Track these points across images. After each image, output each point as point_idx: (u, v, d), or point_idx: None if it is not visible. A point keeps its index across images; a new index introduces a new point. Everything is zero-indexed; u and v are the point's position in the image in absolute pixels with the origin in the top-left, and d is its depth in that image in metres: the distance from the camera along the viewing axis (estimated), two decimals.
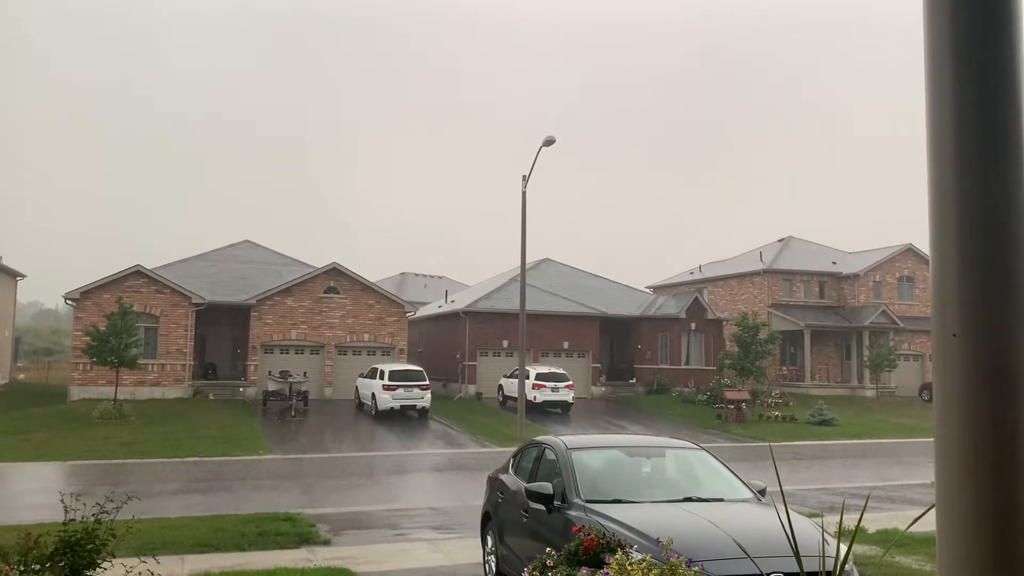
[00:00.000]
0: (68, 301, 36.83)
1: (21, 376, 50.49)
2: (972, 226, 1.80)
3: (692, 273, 58.01)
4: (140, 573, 5.91)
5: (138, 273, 37.02)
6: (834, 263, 51.78)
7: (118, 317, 30.91)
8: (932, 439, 1.86)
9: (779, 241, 55.52)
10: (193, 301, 37.46)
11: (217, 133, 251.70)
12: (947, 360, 1.80)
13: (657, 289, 56.97)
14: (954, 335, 1.78)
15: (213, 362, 41.34)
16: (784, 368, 48.74)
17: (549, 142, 27.89)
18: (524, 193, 29.21)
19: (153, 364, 36.51)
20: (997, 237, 1.78)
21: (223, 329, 41.22)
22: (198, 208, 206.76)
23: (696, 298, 46.32)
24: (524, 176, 29.04)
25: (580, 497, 7.51)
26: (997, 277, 1.77)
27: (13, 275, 45.79)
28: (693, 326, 45.33)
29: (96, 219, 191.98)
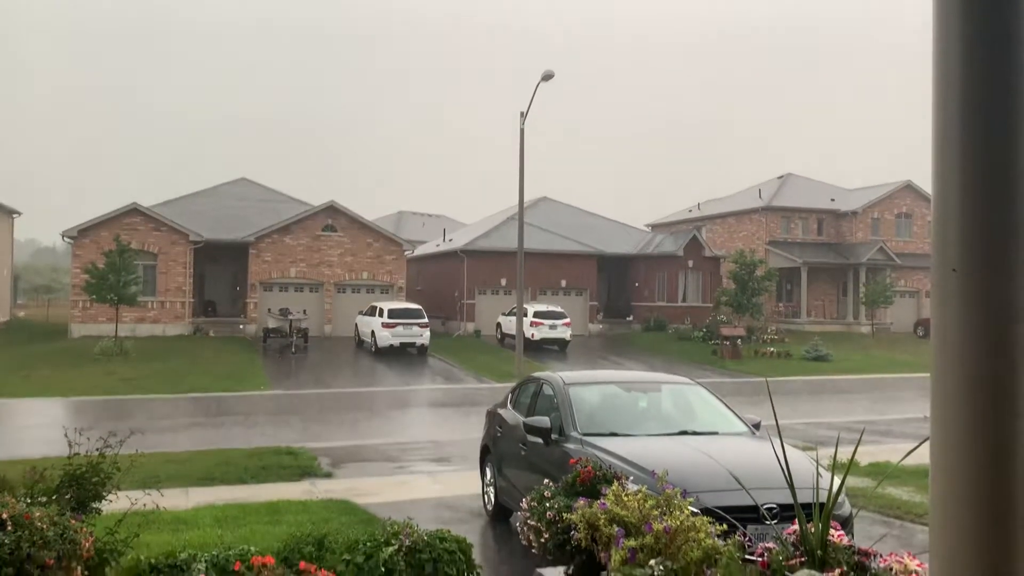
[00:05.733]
0: (66, 239, 36.74)
1: (21, 314, 50.66)
2: (975, 160, 1.78)
3: (691, 211, 57.77)
4: (145, 505, 6.02)
5: (135, 211, 36.83)
6: (833, 200, 51.55)
7: (116, 255, 30.86)
8: (926, 375, 1.87)
9: (778, 178, 55.16)
10: (191, 239, 37.36)
11: (217, 67, 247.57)
12: (946, 295, 1.80)
13: (655, 227, 56.81)
14: (954, 270, 1.78)
15: (212, 300, 41.45)
16: (781, 305, 48.95)
17: (547, 76, 27.45)
18: (522, 130, 28.87)
19: (153, 302, 36.61)
20: (1000, 171, 1.76)
21: (222, 267, 41.21)
22: (194, 143, 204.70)
23: (694, 236, 46.24)
24: (522, 113, 28.67)
25: (577, 431, 7.62)
26: (999, 212, 1.76)
27: (9, 212, 45.52)
28: (691, 264, 45.36)
29: (91, 154, 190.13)
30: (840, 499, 5.83)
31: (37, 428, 17.41)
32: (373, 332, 33.37)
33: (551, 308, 36.58)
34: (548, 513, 5.35)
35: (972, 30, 1.78)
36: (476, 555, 6.15)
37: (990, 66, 1.77)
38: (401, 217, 67.49)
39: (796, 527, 3.98)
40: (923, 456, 2.20)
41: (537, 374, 9.73)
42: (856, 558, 3.79)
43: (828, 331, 43.74)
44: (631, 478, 5.86)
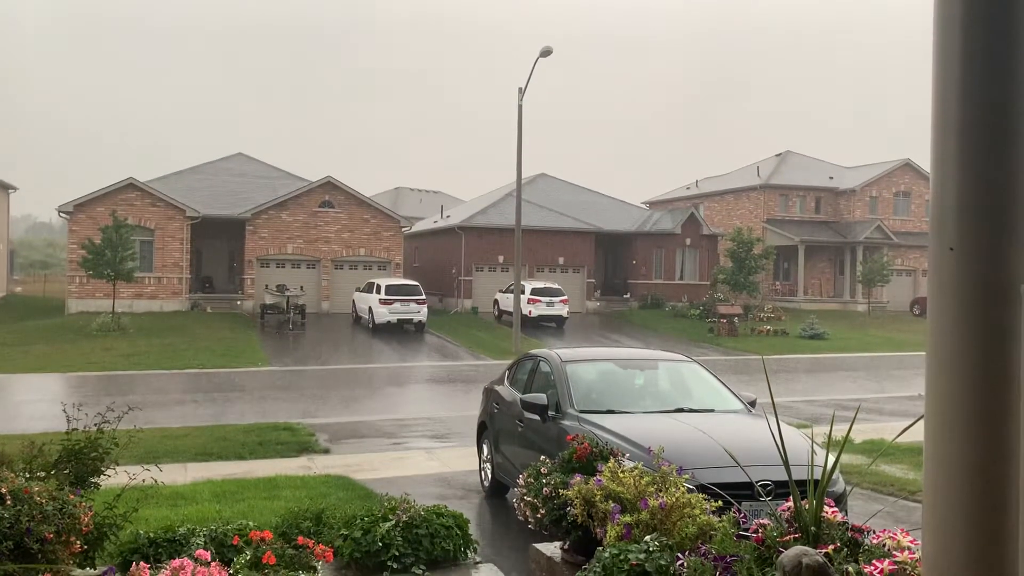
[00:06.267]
0: (62, 214, 36.61)
1: (18, 289, 50.57)
2: (973, 140, 1.78)
3: (688, 188, 57.65)
4: (144, 480, 6.04)
5: (131, 186, 36.66)
6: (831, 178, 51.44)
7: (112, 230, 30.77)
8: (921, 353, 1.88)
9: (776, 156, 55.00)
10: (188, 214, 37.23)
11: (214, 37, 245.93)
12: (943, 273, 1.80)
13: (653, 205, 56.70)
14: (951, 248, 1.78)
15: (210, 276, 41.40)
16: (777, 283, 49.00)
17: (546, 53, 27.28)
18: (520, 106, 28.73)
19: (150, 277, 36.55)
20: (998, 152, 1.76)
21: (219, 243, 41.12)
22: (192, 118, 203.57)
23: (692, 214, 46.17)
24: (520, 88, 28.51)
25: (574, 408, 7.65)
26: (996, 191, 1.76)
27: (5, 188, 45.31)
28: (688, 241, 45.34)
29: (87, 128, 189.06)
30: (834, 476, 5.86)
31: (35, 403, 17.46)
32: (370, 309, 33.39)
33: (548, 285, 36.61)
34: (544, 489, 5.38)
35: (973, 10, 1.78)
36: (473, 530, 6.20)
37: (989, 49, 1.76)
38: (399, 193, 67.25)
39: (790, 504, 4.01)
40: (918, 434, 2.22)
41: (534, 351, 9.76)
42: (850, 534, 3.82)
43: (825, 309, 43.82)
44: (627, 455, 5.89)
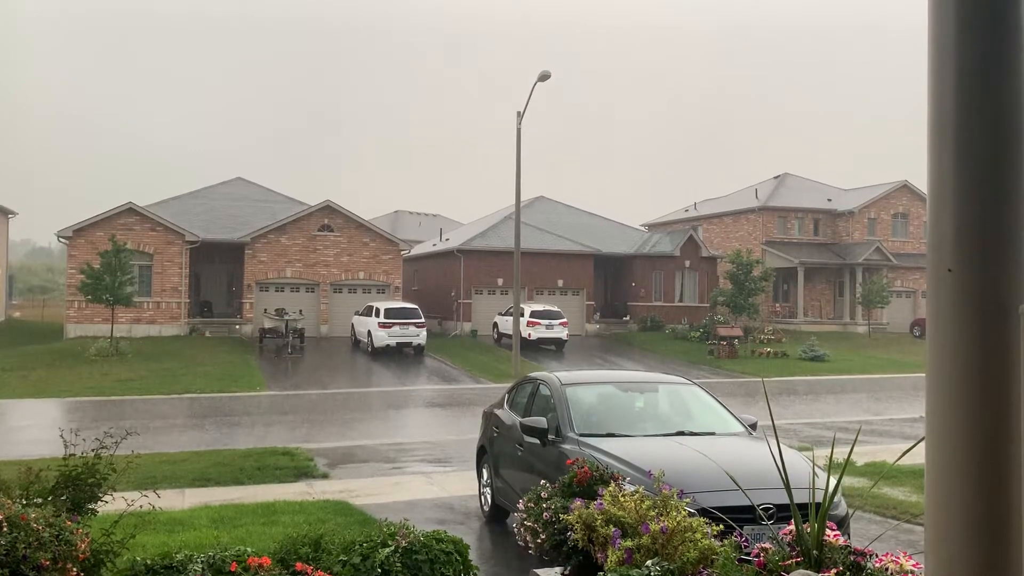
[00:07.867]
0: (61, 239, 36.66)
1: (16, 314, 50.51)
2: (970, 161, 1.78)
3: (687, 211, 57.83)
4: (141, 506, 6.00)
5: (130, 211, 36.76)
6: (829, 200, 51.62)
7: (111, 255, 30.80)
8: (922, 374, 1.87)
9: (775, 178, 55.21)
10: (187, 239, 37.30)
11: (214, 66, 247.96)
12: (941, 294, 1.80)
13: (652, 227, 56.84)
14: (949, 270, 1.79)
15: (208, 300, 41.39)
16: (777, 305, 49.00)
17: (544, 77, 27.44)
18: (519, 130, 28.86)
19: (148, 302, 36.54)
20: (994, 173, 1.77)
21: (218, 267, 41.16)
22: (191, 142, 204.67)
23: (691, 236, 46.28)
24: (519, 113, 28.66)
25: (574, 431, 7.61)
26: (993, 213, 1.77)
27: (5, 212, 45.42)
28: (687, 263, 45.41)
29: (88, 152, 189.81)
30: (836, 499, 5.83)
31: (32, 429, 17.38)
32: (369, 332, 33.35)
33: (548, 308, 36.60)
34: (545, 514, 5.35)
35: (967, 37, 1.79)
36: (473, 556, 6.15)
37: (985, 72, 1.77)
38: (398, 216, 67.42)
39: (792, 527, 3.99)
40: (919, 455, 2.21)
41: (534, 374, 9.73)
42: (852, 558, 3.80)
43: (824, 331, 43.79)
44: (628, 479, 5.86)
